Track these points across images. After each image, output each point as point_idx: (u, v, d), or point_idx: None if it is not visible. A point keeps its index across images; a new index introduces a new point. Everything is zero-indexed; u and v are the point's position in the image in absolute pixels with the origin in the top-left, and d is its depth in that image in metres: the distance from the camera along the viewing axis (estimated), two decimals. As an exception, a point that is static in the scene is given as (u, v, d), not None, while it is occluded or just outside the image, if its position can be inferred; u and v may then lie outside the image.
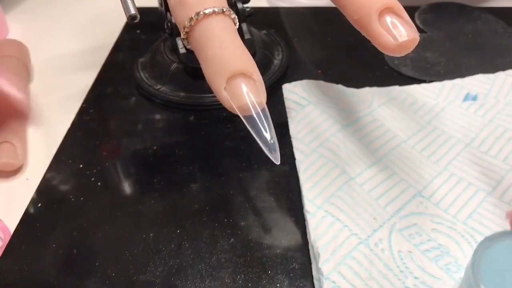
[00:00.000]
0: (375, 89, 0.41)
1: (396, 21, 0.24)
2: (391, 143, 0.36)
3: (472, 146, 0.36)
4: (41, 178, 0.37)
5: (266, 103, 0.24)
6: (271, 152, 0.24)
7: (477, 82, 0.41)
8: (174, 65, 0.44)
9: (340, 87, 0.41)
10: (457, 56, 0.45)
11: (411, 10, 0.40)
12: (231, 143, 0.38)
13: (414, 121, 0.38)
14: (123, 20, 0.51)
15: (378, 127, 0.37)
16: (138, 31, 0.51)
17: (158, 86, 0.43)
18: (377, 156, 0.35)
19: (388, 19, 0.24)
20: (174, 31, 0.41)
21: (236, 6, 0.41)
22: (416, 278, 0.28)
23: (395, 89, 0.41)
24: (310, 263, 0.30)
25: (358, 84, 0.41)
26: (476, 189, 0.32)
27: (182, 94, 0.42)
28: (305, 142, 0.36)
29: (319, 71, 0.45)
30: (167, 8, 0.38)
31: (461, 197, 0.32)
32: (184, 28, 0.24)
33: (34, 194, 0.36)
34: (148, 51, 0.47)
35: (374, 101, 0.40)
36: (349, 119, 0.38)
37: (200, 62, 0.24)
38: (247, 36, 0.42)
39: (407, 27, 0.23)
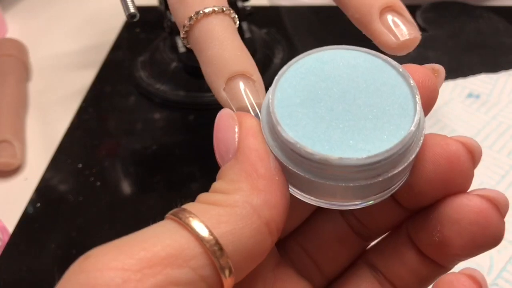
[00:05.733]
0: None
1: (397, 20, 0.23)
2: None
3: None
4: (40, 177, 0.37)
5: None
6: None
7: (479, 82, 0.40)
8: (174, 64, 0.44)
9: None
10: (459, 55, 0.45)
11: (412, 9, 0.40)
12: (231, 143, 0.38)
13: None
14: (123, 18, 0.51)
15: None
16: (137, 30, 0.51)
17: (158, 85, 0.43)
18: None
19: (390, 17, 0.23)
20: (174, 30, 0.41)
21: (236, 5, 0.41)
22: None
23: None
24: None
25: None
26: (479, 183, 0.32)
27: (182, 93, 0.42)
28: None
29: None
30: (166, 7, 0.38)
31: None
32: (183, 27, 0.24)
33: (33, 194, 0.35)
34: (147, 50, 0.46)
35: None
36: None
37: (200, 61, 0.24)
38: (247, 35, 0.42)
39: (409, 26, 0.23)
